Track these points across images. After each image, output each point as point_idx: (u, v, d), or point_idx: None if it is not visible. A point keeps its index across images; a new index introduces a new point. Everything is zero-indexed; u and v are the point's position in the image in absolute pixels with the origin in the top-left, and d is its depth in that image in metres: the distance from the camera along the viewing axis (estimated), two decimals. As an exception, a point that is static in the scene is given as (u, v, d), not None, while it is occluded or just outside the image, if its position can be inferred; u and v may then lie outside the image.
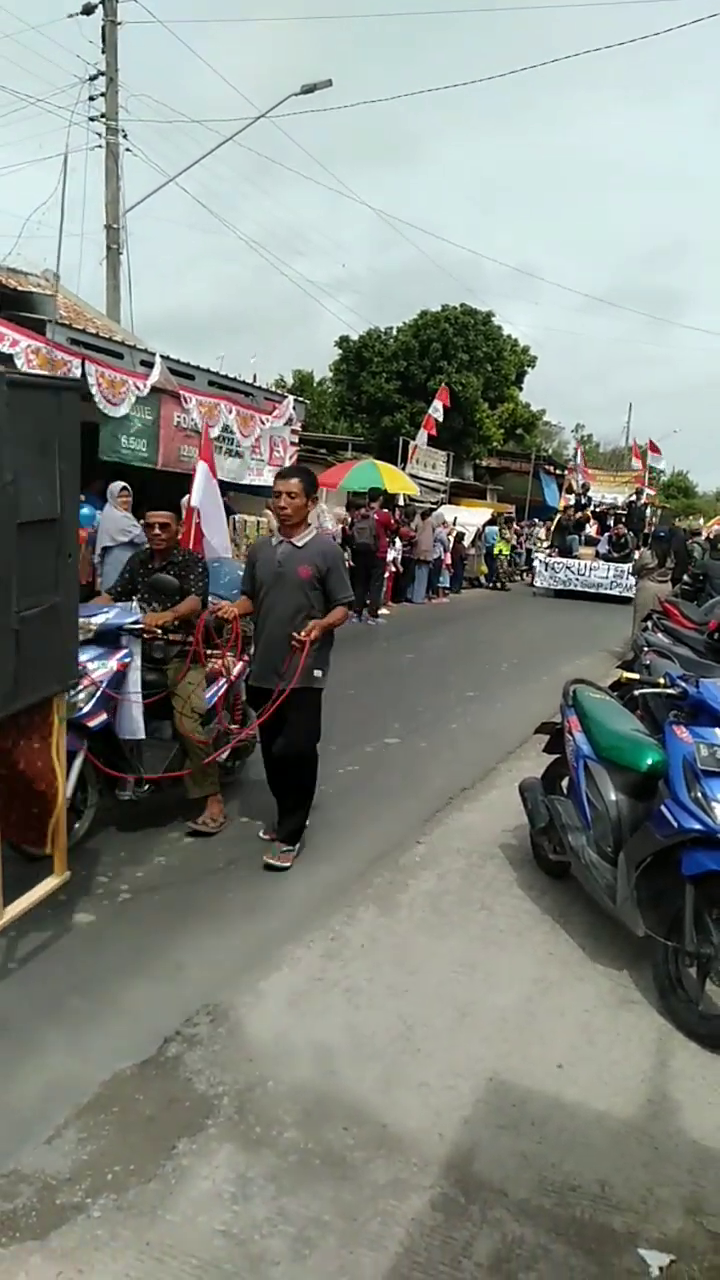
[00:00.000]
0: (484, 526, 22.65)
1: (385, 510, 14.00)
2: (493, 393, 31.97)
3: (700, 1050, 3.11)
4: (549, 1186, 2.43)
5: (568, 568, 20.58)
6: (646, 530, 20.69)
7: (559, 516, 23.68)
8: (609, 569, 20.06)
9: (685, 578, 11.97)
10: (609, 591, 19.55)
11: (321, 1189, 2.36)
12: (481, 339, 30.83)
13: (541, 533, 25.80)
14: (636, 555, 16.62)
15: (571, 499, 24.36)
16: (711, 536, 19.35)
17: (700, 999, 3.28)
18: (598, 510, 24.14)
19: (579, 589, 20.03)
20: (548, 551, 21.99)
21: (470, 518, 22.37)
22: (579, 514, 23.28)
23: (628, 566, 17.74)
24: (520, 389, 34.35)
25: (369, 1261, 2.14)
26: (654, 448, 26.40)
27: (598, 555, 20.83)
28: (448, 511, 20.72)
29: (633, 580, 16.16)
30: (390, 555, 15.09)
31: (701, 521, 28.63)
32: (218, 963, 3.50)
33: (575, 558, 20.81)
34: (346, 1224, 2.25)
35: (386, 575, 15.10)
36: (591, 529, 22.91)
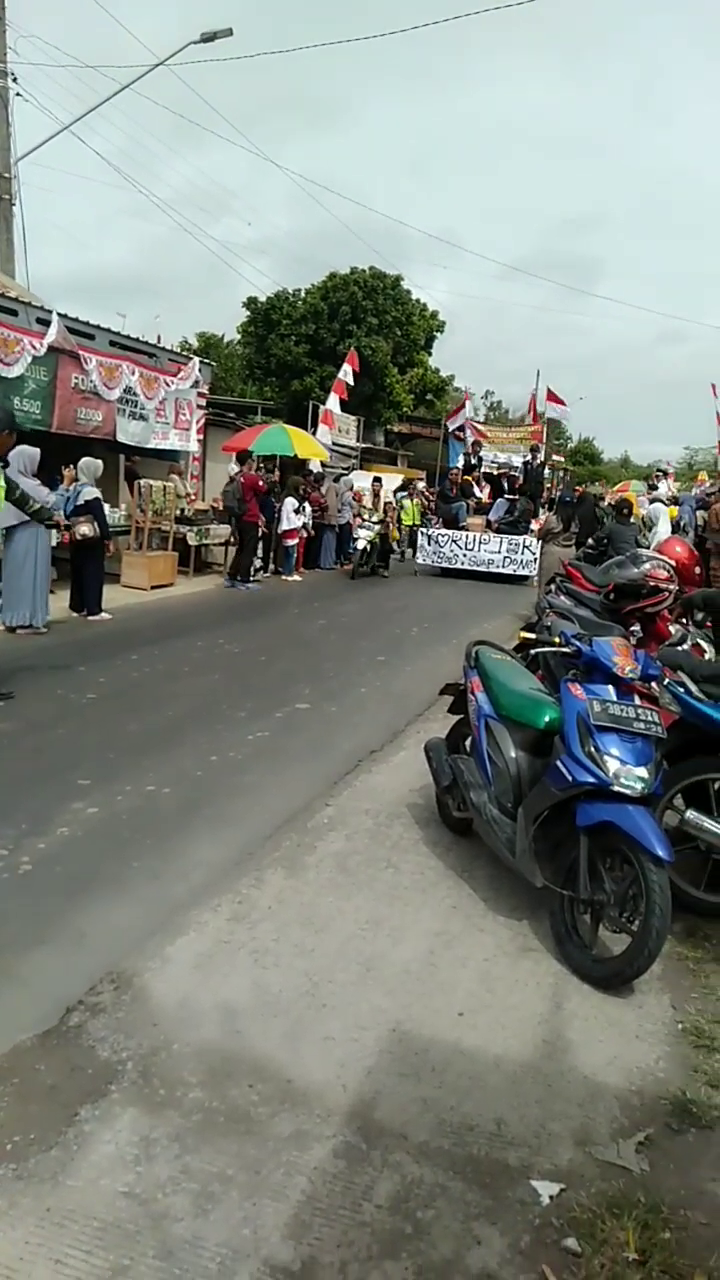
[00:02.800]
0: (395, 493, 22.55)
1: (254, 474, 13.53)
2: (402, 358, 31.98)
3: (593, 992, 3.26)
4: (447, 1128, 2.52)
5: (454, 541, 17.10)
6: (549, 496, 19.78)
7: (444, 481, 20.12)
8: (502, 543, 16.91)
9: (589, 541, 12.30)
10: (501, 570, 16.71)
11: (225, 1145, 2.39)
12: (391, 303, 30.75)
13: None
14: (535, 525, 16.58)
15: (460, 461, 20.87)
16: (615, 502, 19.01)
17: (594, 943, 3.43)
18: (492, 473, 20.68)
19: (467, 567, 16.82)
20: (431, 523, 18.40)
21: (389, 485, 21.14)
22: (466, 477, 19.58)
23: (523, 539, 16.52)
24: (430, 354, 34.43)
25: (271, 1211, 2.18)
26: (553, 397, 23.18)
27: (489, 526, 17.68)
28: (356, 478, 20.20)
29: (530, 556, 15.99)
30: (299, 521, 14.99)
31: (606, 487, 29.15)
32: (122, 930, 3.48)
33: (462, 529, 17.37)
34: (250, 1177, 2.28)
35: (295, 542, 15.01)
36: (482, 493, 19.58)
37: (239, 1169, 2.31)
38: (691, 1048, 2.96)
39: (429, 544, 17.17)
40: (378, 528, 15.63)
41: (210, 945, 3.41)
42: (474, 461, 20.76)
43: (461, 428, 22.73)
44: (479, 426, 23.12)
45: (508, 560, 16.70)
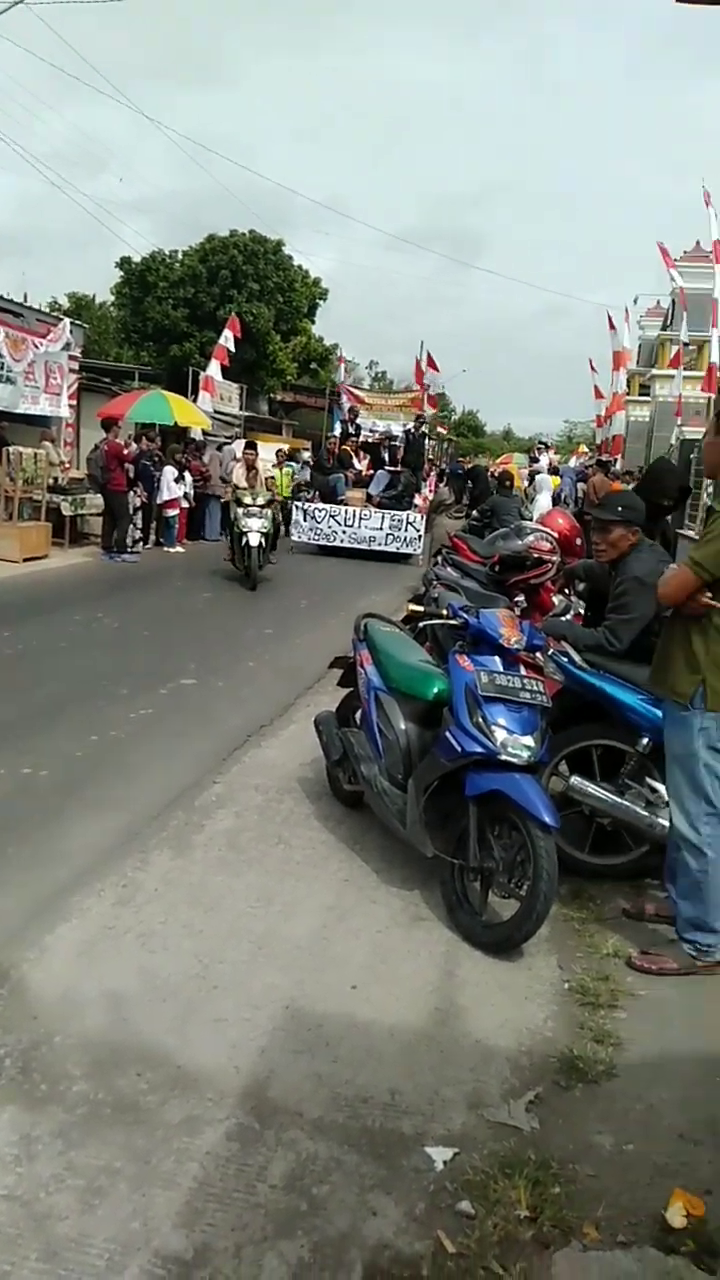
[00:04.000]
0: (283, 462, 22.10)
1: (118, 441, 12.91)
2: (285, 325, 31.54)
3: (484, 957, 3.31)
4: (342, 1102, 2.50)
5: (332, 517, 15.83)
6: (432, 468, 19.28)
7: (320, 450, 18.94)
8: (384, 518, 15.79)
9: (474, 513, 12.47)
10: (384, 548, 15.68)
11: (112, 1137, 2.30)
12: (272, 268, 30.23)
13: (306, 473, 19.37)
14: (419, 500, 16.32)
15: (338, 430, 19.54)
16: (497, 474, 19.11)
17: (483, 910, 3.48)
18: (370, 441, 19.42)
19: (346, 544, 15.73)
20: (307, 496, 16.97)
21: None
22: (344, 446, 18.18)
23: (407, 514, 15.75)
24: (313, 322, 34.09)
25: (162, 1201, 2.12)
26: (432, 363, 21.46)
27: (370, 500, 16.41)
28: (239, 447, 19.63)
29: (414, 533, 15.29)
30: (180, 491, 14.60)
31: (491, 459, 29.62)
32: (-2, 921, 3.31)
33: (341, 503, 16.11)
34: (139, 1168, 2.21)
35: (176, 512, 14.63)
36: (361, 464, 18.17)
37: (127, 1160, 2.23)
38: (578, 1005, 3.04)
39: (305, 519, 15.92)
40: (269, 512, 11.91)
41: (94, 931, 3.28)
42: (351, 430, 19.48)
43: (337, 393, 21.75)
44: (356, 392, 21.85)
45: (390, 537, 15.73)
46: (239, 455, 16.64)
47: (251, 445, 13.47)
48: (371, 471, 17.66)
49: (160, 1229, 2.05)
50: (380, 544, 15.67)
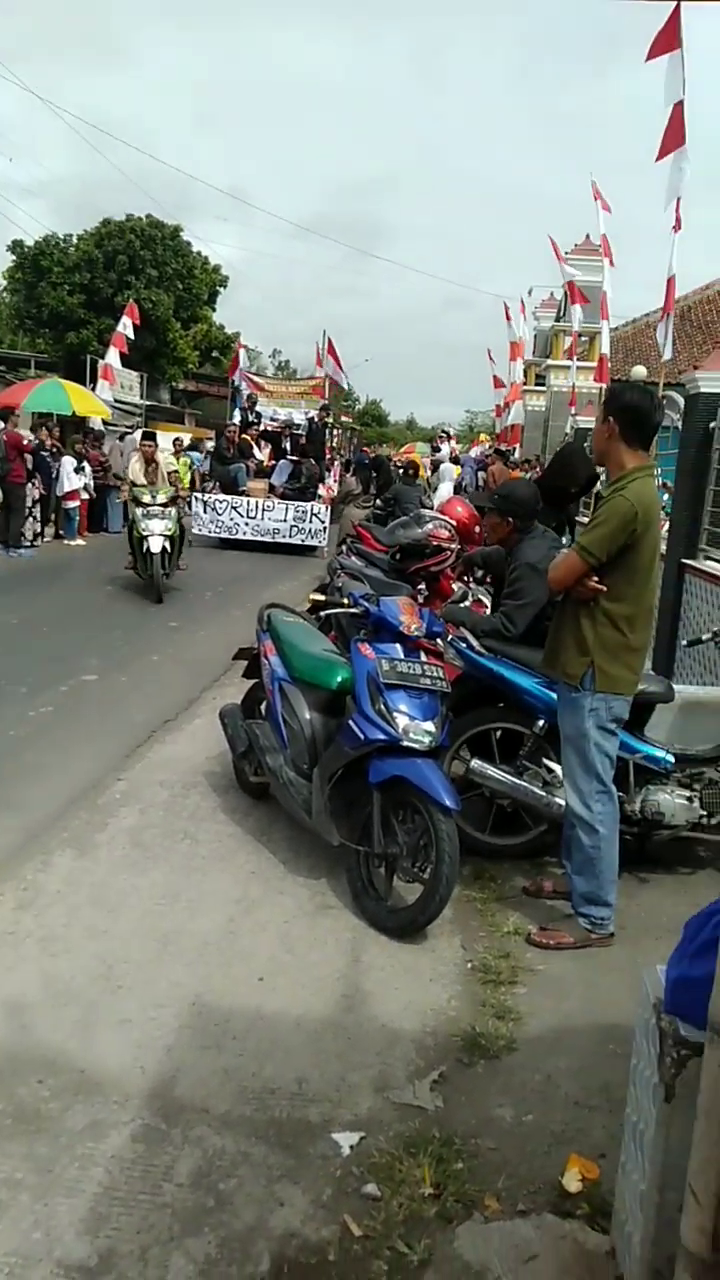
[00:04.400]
0: (186, 450, 21.63)
1: (16, 431, 12.35)
2: (185, 312, 31.02)
3: (390, 942, 3.35)
4: (249, 1095, 2.51)
5: (234, 509, 15.13)
6: (336, 457, 18.96)
7: (219, 439, 17.77)
8: (288, 510, 15.16)
9: (378, 502, 12.54)
10: (289, 539, 15.08)
11: (12, 1148, 2.25)
12: (171, 255, 29.69)
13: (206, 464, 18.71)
14: (324, 490, 16.10)
15: (238, 418, 18.56)
16: (402, 463, 18.79)
17: (389, 895, 3.53)
18: (271, 430, 18.72)
19: (250, 537, 15.05)
20: (207, 487, 16.25)
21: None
22: (244, 435, 17.29)
23: (311, 505, 15.16)
24: (214, 310, 33.62)
25: (65, 1209, 2.08)
26: (331, 351, 20.45)
27: (272, 490, 15.77)
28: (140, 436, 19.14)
29: (319, 525, 14.87)
30: (80, 482, 14.22)
31: (394, 448, 29.81)
32: None
33: (243, 494, 15.45)
34: (40, 1178, 2.16)
35: (76, 504, 14.24)
36: (263, 454, 17.47)
37: (28, 1171, 2.19)
38: (480, 984, 3.12)
39: (205, 511, 15.12)
40: (173, 511, 10.36)
41: (-8, 938, 3.19)
42: (251, 418, 18.57)
43: (236, 380, 20.45)
44: (255, 379, 20.74)
45: (295, 529, 15.12)
46: (138, 446, 15.79)
47: (150, 435, 11.90)
48: (273, 461, 17.09)
49: (63, 1238, 2.01)
50: (285, 536, 15.11)
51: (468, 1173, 2.23)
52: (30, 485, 13.10)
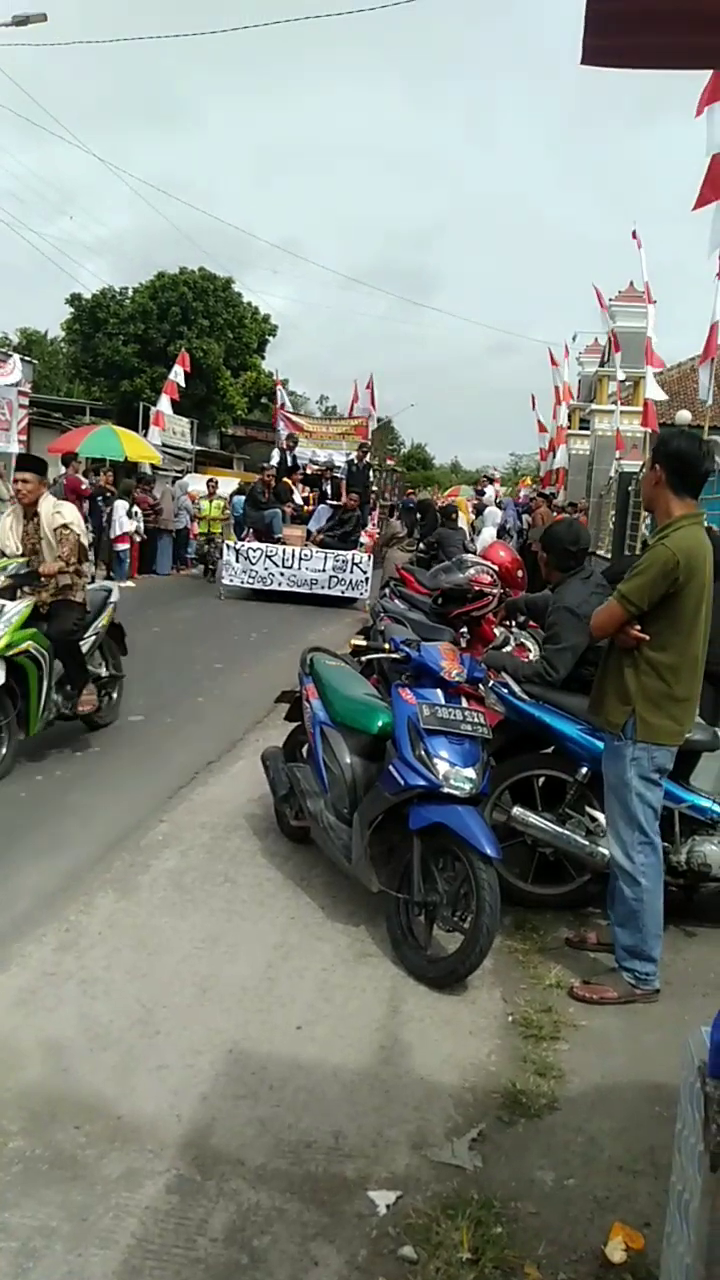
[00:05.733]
0: (232, 496, 21.91)
1: (76, 476, 12.36)
2: (235, 360, 31.80)
3: (429, 992, 3.30)
4: (285, 1147, 2.48)
5: (268, 557, 13.95)
6: (380, 501, 18.81)
7: (255, 482, 16.35)
8: (327, 559, 14.00)
9: (421, 545, 12.60)
10: (327, 591, 13.90)
11: (48, 1195, 2.24)
12: (222, 305, 30.53)
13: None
14: (366, 537, 15.55)
15: (275, 459, 17.41)
16: (444, 506, 18.25)
17: (428, 944, 3.49)
18: (314, 473, 17.50)
19: (284, 588, 13.93)
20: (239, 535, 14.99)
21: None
22: (283, 480, 16.11)
23: (353, 554, 14.11)
24: (263, 358, 34.40)
25: (98, 1261, 2.06)
26: (370, 386, 19.04)
27: (309, 537, 14.62)
28: (190, 481, 19.60)
29: (360, 575, 13.84)
30: (132, 525, 14.55)
31: (439, 491, 29.97)
32: (-66, 972, 3.22)
33: (278, 541, 14.31)
34: (75, 1226, 2.15)
35: (127, 546, 14.55)
36: (300, 496, 16.34)
37: (63, 1219, 2.18)
38: (521, 1038, 3.05)
39: (237, 560, 13.96)
40: (19, 608, 5.94)
41: (33, 978, 3.22)
42: (288, 462, 17.40)
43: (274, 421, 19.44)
44: (294, 418, 19.39)
45: (334, 580, 13.96)
46: (190, 489, 15.09)
47: (28, 467, 5.73)
48: (313, 507, 16.08)
49: (96, 1289, 2.00)
50: (323, 587, 13.97)
51: (507, 1237, 2.17)
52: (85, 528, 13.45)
